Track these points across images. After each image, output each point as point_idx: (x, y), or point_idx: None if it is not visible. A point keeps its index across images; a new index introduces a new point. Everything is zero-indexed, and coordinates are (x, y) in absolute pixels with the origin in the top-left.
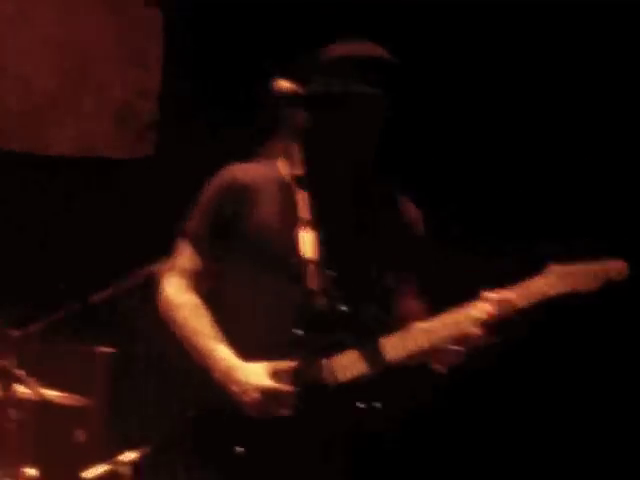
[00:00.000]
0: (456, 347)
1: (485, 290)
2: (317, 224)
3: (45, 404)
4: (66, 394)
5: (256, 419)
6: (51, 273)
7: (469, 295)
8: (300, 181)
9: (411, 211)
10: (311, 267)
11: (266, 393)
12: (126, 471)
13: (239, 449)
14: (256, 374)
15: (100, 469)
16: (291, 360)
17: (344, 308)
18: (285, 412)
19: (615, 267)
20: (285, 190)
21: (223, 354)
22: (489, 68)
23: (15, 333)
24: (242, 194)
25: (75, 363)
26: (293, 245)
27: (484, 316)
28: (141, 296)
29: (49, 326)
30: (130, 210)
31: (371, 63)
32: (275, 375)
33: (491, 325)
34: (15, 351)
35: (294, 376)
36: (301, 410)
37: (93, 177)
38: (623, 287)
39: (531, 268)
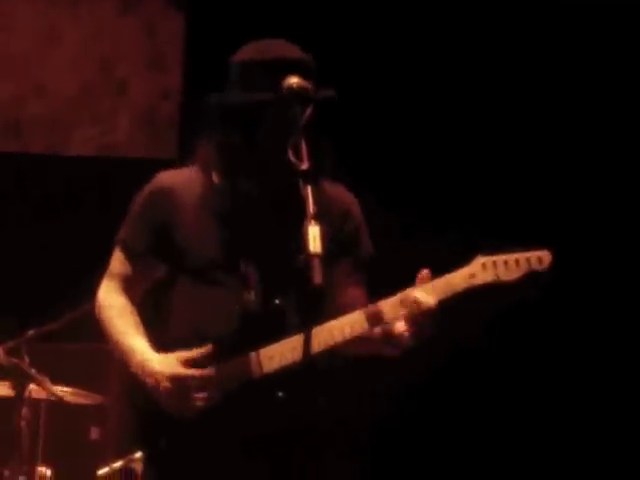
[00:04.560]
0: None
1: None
2: (240, 222)
3: (59, 402)
4: (80, 392)
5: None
6: (71, 271)
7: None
8: (221, 187)
9: (342, 200)
10: (241, 265)
11: (177, 381)
12: (139, 468)
13: (162, 444)
14: (168, 364)
15: (115, 466)
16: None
17: (277, 302)
18: (200, 402)
19: (537, 256)
20: (206, 193)
21: (139, 348)
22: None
23: (29, 332)
24: (167, 199)
25: (89, 361)
26: (220, 246)
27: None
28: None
29: (63, 324)
30: None
31: (285, 64)
32: (191, 364)
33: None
34: (28, 350)
35: (219, 371)
36: (222, 402)
37: (114, 176)
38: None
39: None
